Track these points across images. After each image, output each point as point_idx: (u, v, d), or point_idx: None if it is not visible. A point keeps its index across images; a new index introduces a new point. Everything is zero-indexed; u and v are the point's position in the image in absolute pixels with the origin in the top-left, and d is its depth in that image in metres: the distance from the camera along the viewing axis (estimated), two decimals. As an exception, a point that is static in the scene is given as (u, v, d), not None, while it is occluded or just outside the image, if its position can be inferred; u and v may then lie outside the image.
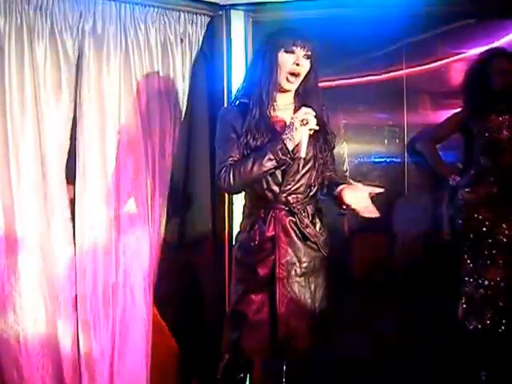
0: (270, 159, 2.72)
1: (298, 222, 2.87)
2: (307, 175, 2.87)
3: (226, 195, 3.81)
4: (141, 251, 3.59)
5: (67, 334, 3.40)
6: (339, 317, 3.11)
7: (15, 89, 3.22)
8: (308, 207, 2.91)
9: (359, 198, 2.79)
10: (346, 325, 3.65)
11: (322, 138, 2.92)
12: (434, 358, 3.63)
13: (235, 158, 2.81)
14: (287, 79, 2.82)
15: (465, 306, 3.66)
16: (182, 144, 3.76)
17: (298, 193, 2.87)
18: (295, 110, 2.87)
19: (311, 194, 2.92)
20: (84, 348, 3.46)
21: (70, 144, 3.43)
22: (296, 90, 2.92)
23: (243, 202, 3.06)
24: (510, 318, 3.54)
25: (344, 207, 2.80)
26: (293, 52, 2.78)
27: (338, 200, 2.83)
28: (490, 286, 3.57)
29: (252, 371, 3.37)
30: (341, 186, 2.86)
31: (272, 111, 2.87)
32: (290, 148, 2.73)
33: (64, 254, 3.40)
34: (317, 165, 2.91)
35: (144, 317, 3.57)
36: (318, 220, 2.94)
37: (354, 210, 2.79)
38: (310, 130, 2.76)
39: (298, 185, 2.86)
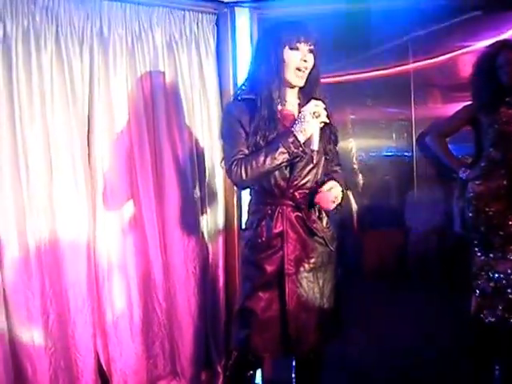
0: (282, 152, 2.71)
1: (305, 218, 2.86)
2: (314, 171, 2.87)
3: (235, 193, 3.83)
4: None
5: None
6: (350, 313, 3.09)
7: (23, 92, 3.24)
8: None
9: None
10: (358, 320, 3.65)
11: (328, 131, 2.92)
12: (448, 353, 3.62)
13: (245, 152, 2.80)
14: (296, 75, 2.82)
15: (478, 299, 3.64)
16: (191, 142, 3.76)
17: (305, 188, 2.86)
18: (300, 105, 2.88)
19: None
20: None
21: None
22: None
23: (249, 198, 3.06)
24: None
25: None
26: (297, 49, 2.78)
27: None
28: (501, 278, 3.55)
29: (262, 368, 3.37)
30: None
31: (279, 107, 2.86)
32: (302, 141, 2.73)
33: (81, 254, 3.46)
34: (323, 159, 2.91)
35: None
36: (324, 215, 2.94)
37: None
38: (321, 122, 2.76)
39: (304, 180, 2.85)
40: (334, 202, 2.84)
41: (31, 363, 3.31)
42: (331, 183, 2.86)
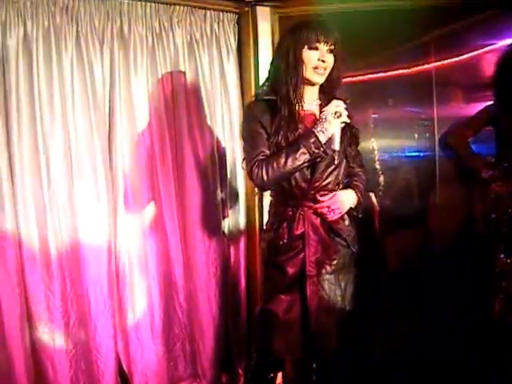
0: (303, 153, 2.69)
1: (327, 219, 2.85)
2: (335, 172, 2.85)
3: (257, 194, 3.81)
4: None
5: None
6: (370, 315, 3.08)
7: (44, 93, 3.23)
8: None
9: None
10: (378, 323, 3.63)
11: (349, 132, 2.90)
12: (471, 355, 3.58)
13: (266, 153, 2.78)
14: (315, 73, 2.79)
15: (501, 300, 3.60)
16: (212, 142, 3.74)
17: (326, 189, 2.84)
18: (321, 105, 2.85)
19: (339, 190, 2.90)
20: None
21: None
22: (320, 85, 2.89)
23: (269, 200, 3.04)
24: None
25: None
26: (316, 48, 2.75)
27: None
28: (524, 281, 3.51)
29: (284, 370, 3.36)
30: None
31: (300, 107, 2.83)
32: (323, 141, 2.71)
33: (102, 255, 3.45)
34: (344, 160, 2.89)
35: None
36: (346, 216, 2.92)
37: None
38: (342, 122, 2.74)
39: (326, 181, 2.84)
40: (334, 211, 2.85)
41: (52, 364, 3.31)
42: (332, 194, 2.87)
